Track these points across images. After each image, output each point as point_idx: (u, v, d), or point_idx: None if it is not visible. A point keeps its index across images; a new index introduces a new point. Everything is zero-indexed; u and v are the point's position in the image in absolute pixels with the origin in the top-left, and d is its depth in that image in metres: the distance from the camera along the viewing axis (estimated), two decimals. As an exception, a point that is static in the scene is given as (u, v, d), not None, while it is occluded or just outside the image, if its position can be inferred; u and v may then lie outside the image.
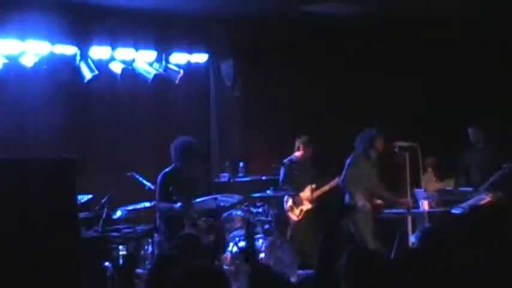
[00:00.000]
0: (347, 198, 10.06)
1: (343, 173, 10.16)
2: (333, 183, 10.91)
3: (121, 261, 8.68)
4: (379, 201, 10.32)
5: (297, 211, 10.99)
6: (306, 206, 11.03)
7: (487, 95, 12.57)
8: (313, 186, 11.05)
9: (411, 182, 10.26)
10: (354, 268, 4.41)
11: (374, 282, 3.64)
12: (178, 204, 9.22)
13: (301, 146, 11.13)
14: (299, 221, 11.02)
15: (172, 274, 4.06)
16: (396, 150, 10.06)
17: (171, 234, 8.73)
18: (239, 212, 10.33)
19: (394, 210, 10.43)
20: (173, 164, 9.58)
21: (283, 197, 11.05)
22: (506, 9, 10.26)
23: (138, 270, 9.20)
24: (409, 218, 10.22)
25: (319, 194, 11.09)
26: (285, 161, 11.15)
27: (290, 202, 11.03)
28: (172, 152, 9.58)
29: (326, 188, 11.03)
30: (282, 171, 11.11)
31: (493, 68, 12.64)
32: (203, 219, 10.12)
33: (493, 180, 10.50)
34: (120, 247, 8.71)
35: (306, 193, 11.04)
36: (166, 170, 9.54)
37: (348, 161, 10.10)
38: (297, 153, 11.15)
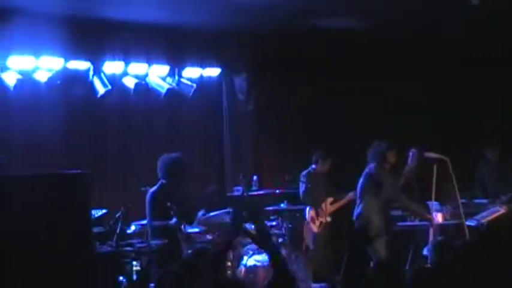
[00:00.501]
0: (359, 209, 9.98)
1: (361, 182, 10.06)
2: (349, 197, 10.92)
3: (135, 277, 8.67)
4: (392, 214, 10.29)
5: (317, 222, 11.03)
6: (326, 218, 11.07)
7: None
8: (331, 199, 11.10)
9: (438, 194, 10.15)
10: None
11: None
12: (174, 220, 9.19)
13: (319, 159, 11.16)
14: (319, 233, 11.04)
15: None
16: (429, 162, 10.00)
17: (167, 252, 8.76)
18: (253, 226, 10.31)
19: (408, 223, 10.38)
20: (160, 182, 9.51)
21: (302, 209, 11.11)
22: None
23: (152, 285, 9.20)
24: (431, 231, 10.13)
25: (336, 208, 11.12)
26: (303, 173, 11.18)
27: (312, 213, 11.07)
28: (161, 169, 9.49)
29: (343, 202, 11.06)
30: (300, 184, 11.13)
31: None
32: (217, 233, 10.14)
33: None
34: (134, 262, 8.70)
35: (325, 206, 11.08)
36: (154, 188, 9.43)
37: (366, 172, 9.99)
38: (314, 167, 11.18)
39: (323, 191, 11.12)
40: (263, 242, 4.86)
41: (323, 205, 11.07)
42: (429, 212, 10.03)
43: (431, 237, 9.98)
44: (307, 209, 11.12)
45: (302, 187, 11.11)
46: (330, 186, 11.23)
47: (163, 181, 9.45)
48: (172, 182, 9.43)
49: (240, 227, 5.90)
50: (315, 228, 11.06)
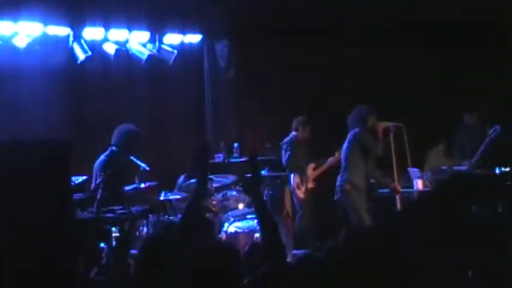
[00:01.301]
0: (341, 177, 9.94)
1: (345, 148, 10.01)
2: (331, 161, 10.94)
3: (114, 243, 8.68)
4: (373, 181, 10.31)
5: (303, 189, 11.05)
6: (310, 184, 11.09)
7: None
8: (313, 165, 11.11)
9: (398, 163, 10.18)
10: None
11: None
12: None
13: (299, 126, 11.14)
14: (305, 199, 11.06)
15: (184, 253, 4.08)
16: (392, 129, 9.98)
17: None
18: (234, 193, 10.35)
19: (388, 190, 10.42)
20: (110, 149, 9.43)
21: (282, 176, 11.12)
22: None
23: (134, 251, 9.21)
24: (398, 198, 10.18)
25: (319, 173, 11.14)
26: (285, 141, 11.16)
27: (297, 180, 11.07)
28: (117, 137, 9.41)
29: (325, 167, 11.08)
30: (283, 151, 11.13)
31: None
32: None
33: (482, 150, 10.55)
34: (113, 229, 8.69)
35: (309, 172, 11.11)
36: (105, 157, 9.35)
37: (350, 137, 9.93)
38: (295, 133, 11.16)
39: (303, 158, 11.13)
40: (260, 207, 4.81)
41: (307, 171, 11.10)
42: (393, 180, 10.05)
43: (399, 206, 10.03)
44: (292, 176, 11.12)
45: (285, 155, 11.10)
46: (311, 153, 11.23)
47: (114, 149, 9.36)
48: (123, 152, 9.33)
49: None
50: (300, 194, 11.07)
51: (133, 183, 9.48)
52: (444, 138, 11.56)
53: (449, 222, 2.76)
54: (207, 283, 4.06)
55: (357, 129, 9.85)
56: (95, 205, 8.50)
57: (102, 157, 9.35)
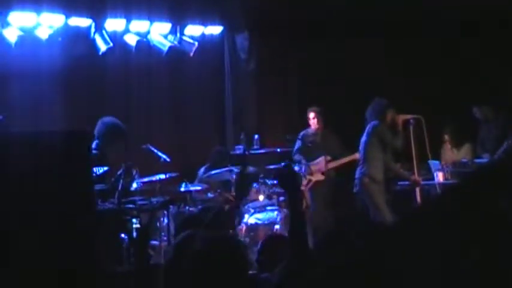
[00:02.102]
0: (360, 169, 9.88)
1: (364, 141, 9.94)
2: (352, 157, 10.82)
3: (135, 234, 8.72)
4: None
5: (305, 181, 10.98)
6: (316, 177, 10.99)
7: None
8: (328, 157, 11.02)
9: (418, 155, 10.11)
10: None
11: None
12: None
13: (310, 117, 11.13)
14: (306, 191, 11.00)
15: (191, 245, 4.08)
16: (411, 121, 9.90)
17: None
18: (254, 184, 10.36)
19: (408, 183, 10.38)
20: (96, 143, 9.16)
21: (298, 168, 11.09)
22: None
23: (154, 242, 9.26)
24: (418, 191, 10.11)
25: (334, 166, 11.04)
26: (301, 133, 11.17)
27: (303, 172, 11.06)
28: (99, 129, 9.12)
29: (343, 161, 10.94)
30: (296, 143, 11.14)
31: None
32: (218, 191, 10.19)
33: (505, 148, 10.50)
34: (134, 220, 8.73)
35: (318, 164, 11.03)
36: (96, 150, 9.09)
37: (369, 129, 9.87)
38: (310, 125, 11.16)
39: (321, 149, 11.08)
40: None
41: (313, 164, 11.02)
42: (413, 173, 9.99)
43: (418, 199, 9.97)
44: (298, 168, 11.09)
45: (295, 146, 11.14)
46: (337, 144, 11.15)
47: (98, 143, 9.13)
48: (104, 144, 9.19)
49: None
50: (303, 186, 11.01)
51: (151, 174, 9.54)
52: (448, 128, 11.44)
53: (478, 220, 2.69)
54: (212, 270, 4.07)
55: (375, 122, 9.78)
56: (115, 196, 8.54)
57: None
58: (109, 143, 9.10)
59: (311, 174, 11.01)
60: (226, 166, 10.19)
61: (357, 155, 10.50)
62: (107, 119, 9.24)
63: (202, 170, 10.84)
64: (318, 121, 11.12)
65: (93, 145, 9.08)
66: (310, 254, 4.83)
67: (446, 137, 11.39)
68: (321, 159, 11.04)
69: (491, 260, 2.56)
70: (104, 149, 9.12)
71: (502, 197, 2.66)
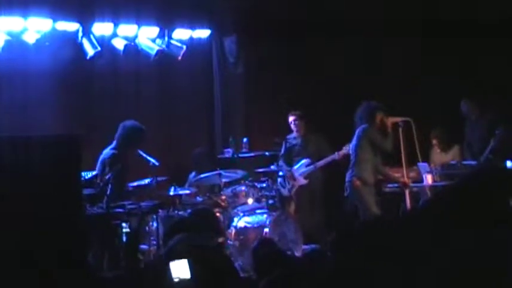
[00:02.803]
0: (351, 172, 9.88)
1: (353, 144, 9.94)
2: (328, 159, 10.84)
3: (125, 238, 8.70)
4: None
5: (288, 186, 10.97)
6: (299, 181, 10.98)
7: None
8: (308, 161, 11.01)
9: (407, 157, 10.12)
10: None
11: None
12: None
13: (291, 122, 11.16)
14: (290, 196, 10.99)
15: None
16: (400, 124, 9.90)
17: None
18: (243, 188, 10.36)
19: (397, 185, 10.40)
20: (115, 143, 9.40)
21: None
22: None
23: (143, 246, 9.24)
24: (407, 193, 10.12)
25: (313, 169, 11.01)
26: (286, 137, 11.21)
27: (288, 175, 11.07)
28: (123, 133, 9.39)
29: (321, 163, 10.95)
30: (281, 147, 11.19)
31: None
32: (208, 194, 10.18)
33: (491, 148, 10.52)
34: (124, 224, 8.72)
35: (299, 168, 11.03)
36: (113, 149, 9.34)
37: (358, 133, 9.87)
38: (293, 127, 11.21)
39: (305, 153, 11.10)
40: None
41: (295, 169, 11.02)
42: (402, 175, 9.99)
43: (407, 201, 9.98)
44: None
45: (280, 151, 11.19)
46: (321, 147, 11.15)
47: (119, 145, 9.34)
48: (125, 147, 9.36)
49: None
50: (284, 192, 10.99)
51: (140, 178, 9.54)
52: (435, 132, 11.46)
53: (482, 221, 2.67)
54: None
55: (364, 126, 9.81)
56: (104, 200, 8.52)
57: (108, 150, 9.35)
58: (127, 145, 9.33)
59: (293, 179, 10.99)
60: (213, 167, 10.21)
61: (336, 155, 10.55)
62: (129, 122, 9.47)
63: (193, 174, 10.84)
64: (298, 125, 11.13)
65: (113, 145, 9.27)
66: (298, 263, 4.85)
67: (434, 141, 11.41)
68: (303, 164, 11.04)
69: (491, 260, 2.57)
70: (122, 150, 9.28)
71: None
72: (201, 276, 4.16)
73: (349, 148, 10.20)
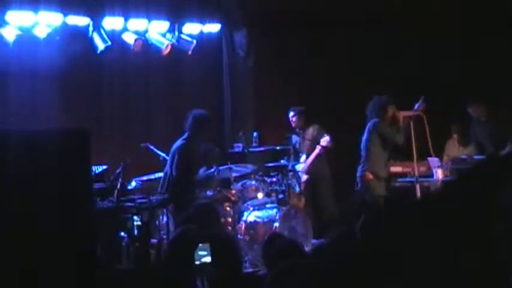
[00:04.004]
0: (362, 167, 9.88)
1: (365, 139, 9.94)
2: (312, 156, 10.83)
3: (136, 232, 8.72)
4: (393, 170, 10.27)
5: (297, 183, 10.96)
6: (302, 178, 10.98)
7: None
8: (304, 157, 11.03)
9: (419, 152, 10.08)
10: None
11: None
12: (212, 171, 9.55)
13: (290, 118, 11.16)
14: (300, 191, 10.99)
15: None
16: (412, 118, 9.87)
17: (188, 203, 8.82)
18: (253, 182, 10.35)
19: (408, 179, 10.39)
20: (187, 134, 9.55)
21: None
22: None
23: (153, 240, 9.25)
24: (418, 188, 10.09)
25: (309, 164, 11.00)
26: (293, 133, 11.21)
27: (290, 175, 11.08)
28: (192, 123, 9.53)
29: (308, 161, 10.93)
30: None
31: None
32: (218, 189, 10.17)
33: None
34: (135, 217, 8.75)
35: (301, 165, 11.03)
36: (183, 141, 9.49)
37: (369, 127, 9.87)
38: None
39: (300, 149, 11.13)
40: None
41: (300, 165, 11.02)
42: (413, 170, 9.97)
43: (418, 195, 9.96)
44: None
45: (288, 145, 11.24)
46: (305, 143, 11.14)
47: (190, 136, 9.49)
48: (197, 136, 9.51)
49: None
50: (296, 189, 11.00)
51: (149, 173, 9.59)
52: (457, 127, 11.48)
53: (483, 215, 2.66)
54: None
55: (375, 120, 9.81)
56: (115, 194, 8.54)
57: (179, 141, 9.43)
58: (196, 134, 9.52)
59: (297, 176, 10.98)
60: (223, 161, 10.23)
61: (318, 150, 10.53)
62: (196, 111, 9.67)
63: (203, 169, 10.84)
64: (295, 121, 11.13)
65: (185, 135, 9.48)
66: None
67: (455, 136, 11.44)
68: (302, 160, 11.06)
69: (489, 256, 2.56)
70: (192, 139, 9.47)
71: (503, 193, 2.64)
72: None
73: (327, 139, 10.25)
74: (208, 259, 4.75)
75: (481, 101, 11.58)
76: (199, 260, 4.82)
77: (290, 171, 10.73)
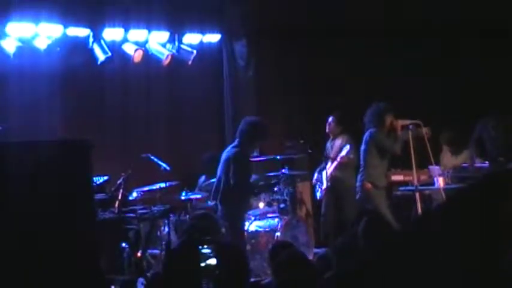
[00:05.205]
0: (361, 176, 9.87)
1: (362, 149, 9.92)
2: (333, 165, 10.74)
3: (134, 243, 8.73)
4: (394, 178, 10.24)
5: (320, 189, 10.96)
6: (324, 184, 10.94)
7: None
8: (329, 164, 10.96)
9: (417, 159, 10.05)
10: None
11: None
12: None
13: (330, 122, 10.98)
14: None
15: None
16: (411, 127, 9.83)
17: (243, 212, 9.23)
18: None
19: (409, 187, 10.37)
20: (238, 141, 9.40)
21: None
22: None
23: (155, 251, 9.25)
24: (418, 196, 10.03)
25: (330, 172, 10.95)
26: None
27: (314, 178, 11.07)
28: (246, 130, 9.36)
29: (330, 168, 10.85)
30: None
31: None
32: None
33: None
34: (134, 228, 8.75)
35: (325, 172, 10.98)
36: (238, 149, 9.36)
37: (366, 137, 9.85)
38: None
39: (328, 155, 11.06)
40: None
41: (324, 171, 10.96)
42: (413, 179, 9.92)
43: (418, 204, 9.91)
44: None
45: None
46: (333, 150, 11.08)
47: (242, 142, 9.35)
48: (249, 143, 9.42)
49: None
50: (318, 194, 11.00)
51: (151, 184, 9.60)
52: (445, 138, 11.40)
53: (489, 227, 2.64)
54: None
55: (372, 130, 9.78)
56: (116, 205, 8.55)
57: (230, 149, 9.37)
58: (249, 141, 9.35)
59: (321, 182, 10.95)
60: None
61: (337, 162, 10.45)
62: (250, 118, 9.55)
63: (202, 178, 10.84)
64: (333, 127, 10.91)
65: (235, 143, 9.34)
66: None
67: (444, 147, 11.37)
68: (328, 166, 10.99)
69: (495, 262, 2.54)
70: (244, 146, 9.31)
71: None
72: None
73: (347, 152, 10.20)
74: (213, 261, 4.76)
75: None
76: (204, 261, 4.84)
77: (317, 176, 10.77)
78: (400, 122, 9.77)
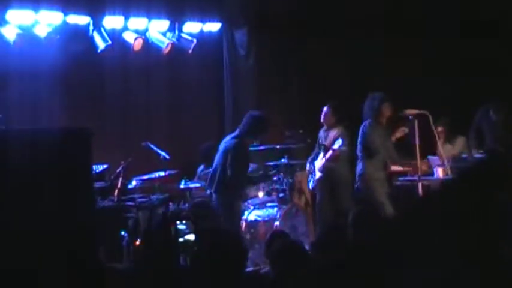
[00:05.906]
0: (359, 167, 9.86)
1: (358, 141, 9.90)
2: (327, 156, 10.66)
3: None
4: (394, 169, 10.22)
5: (312, 179, 10.92)
6: (317, 174, 10.89)
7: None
8: (322, 154, 10.93)
9: (422, 149, 10.02)
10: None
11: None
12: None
13: (325, 112, 10.87)
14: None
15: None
16: (411, 118, 9.79)
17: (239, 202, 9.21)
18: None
19: (408, 178, 10.37)
20: (239, 132, 9.32)
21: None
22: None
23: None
24: (420, 186, 10.01)
25: (323, 163, 10.90)
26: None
27: (306, 169, 11.02)
28: (250, 123, 9.27)
29: (323, 159, 10.79)
30: None
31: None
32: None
33: None
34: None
35: (318, 161, 10.95)
36: (236, 138, 9.30)
37: (361, 129, 9.82)
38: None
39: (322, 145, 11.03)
40: None
41: (316, 162, 10.93)
42: (416, 169, 9.91)
43: (420, 194, 9.89)
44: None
45: None
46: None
47: (243, 134, 9.28)
48: (249, 135, 9.37)
49: None
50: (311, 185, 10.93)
51: (150, 172, 9.60)
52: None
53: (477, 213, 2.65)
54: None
55: (366, 121, 9.69)
56: (115, 193, 8.55)
57: (229, 139, 9.30)
58: (250, 134, 9.32)
59: (314, 172, 10.91)
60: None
61: (331, 154, 10.33)
62: (255, 113, 9.44)
63: (201, 167, 10.84)
64: (328, 117, 10.78)
65: (235, 133, 9.28)
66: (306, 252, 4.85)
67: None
68: (319, 157, 10.95)
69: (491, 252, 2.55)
70: (244, 138, 9.26)
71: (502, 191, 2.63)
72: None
73: (340, 146, 10.14)
74: (191, 237, 4.76)
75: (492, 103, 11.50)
76: (182, 237, 4.83)
77: (309, 166, 10.72)
78: (407, 112, 9.66)
